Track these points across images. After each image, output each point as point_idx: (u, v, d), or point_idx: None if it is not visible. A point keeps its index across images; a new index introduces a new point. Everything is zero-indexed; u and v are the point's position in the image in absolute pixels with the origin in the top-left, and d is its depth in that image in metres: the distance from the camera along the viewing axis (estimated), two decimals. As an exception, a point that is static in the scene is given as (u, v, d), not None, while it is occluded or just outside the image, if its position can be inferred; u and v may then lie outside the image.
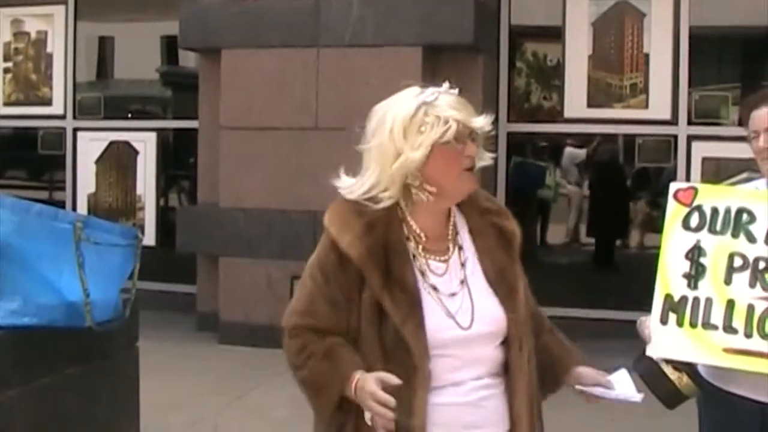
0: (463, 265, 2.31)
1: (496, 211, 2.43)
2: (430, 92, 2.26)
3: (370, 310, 2.22)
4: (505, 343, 2.30)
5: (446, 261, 2.30)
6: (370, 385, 2.12)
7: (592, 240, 8.65)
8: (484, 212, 2.40)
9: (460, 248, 2.34)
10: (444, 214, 2.34)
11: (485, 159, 2.35)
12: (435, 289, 2.26)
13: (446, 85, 2.30)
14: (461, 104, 2.26)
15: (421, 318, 2.20)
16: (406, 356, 2.18)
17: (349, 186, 2.32)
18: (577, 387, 2.39)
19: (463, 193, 2.32)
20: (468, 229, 2.37)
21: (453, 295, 2.27)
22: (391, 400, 2.09)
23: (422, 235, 2.30)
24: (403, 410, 2.12)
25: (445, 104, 2.24)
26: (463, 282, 2.29)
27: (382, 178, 2.26)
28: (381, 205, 2.26)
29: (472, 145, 2.26)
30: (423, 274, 2.27)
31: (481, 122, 2.27)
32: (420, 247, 2.29)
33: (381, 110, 2.30)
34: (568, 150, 8.65)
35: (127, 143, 9.05)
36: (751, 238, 2.49)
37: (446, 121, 2.21)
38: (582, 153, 8.63)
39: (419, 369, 2.17)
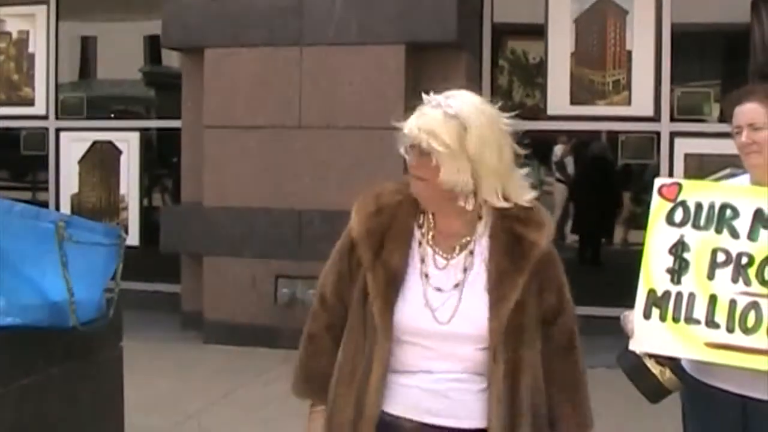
0: (465, 270, 2.27)
1: (523, 220, 2.28)
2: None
3: (361, 288, 2.30)
4: (486, 349, 2.25)
5: (448, 260, 2.28)
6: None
7: (575, 237, 8.67)
8: (506, 217, 2.28)
9: (471, 253, 2.28)
10: (462, 215, 2.26)
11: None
12: (426, 276, 2.27)
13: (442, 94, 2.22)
14: (417, 113, 2.19)
15: (392, 299, 2.25)
16: (373, 333, 2.25)
17: None
18: None
19: (420, 202, 2.30)
20: (489, 233, 2.30)
21: (440, 290, 2.25)
22: None
23: (432, 225, 2.31)
24: (360, 384, 2.25)
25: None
26: (457, 286, 2.25)
27: None
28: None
29: (414, 155, 2.19)
30: (423, 260, 2.28)
31: (404, 129, 2.20)
32: (430, 234, 2.30)
33: None
34: (552, 147, 8.66)
35: (110, 143, 9.03)
36: (735, 234, 2.50)
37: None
38: (565, 150, 8.65)
39: (380, 346, 2.24)
